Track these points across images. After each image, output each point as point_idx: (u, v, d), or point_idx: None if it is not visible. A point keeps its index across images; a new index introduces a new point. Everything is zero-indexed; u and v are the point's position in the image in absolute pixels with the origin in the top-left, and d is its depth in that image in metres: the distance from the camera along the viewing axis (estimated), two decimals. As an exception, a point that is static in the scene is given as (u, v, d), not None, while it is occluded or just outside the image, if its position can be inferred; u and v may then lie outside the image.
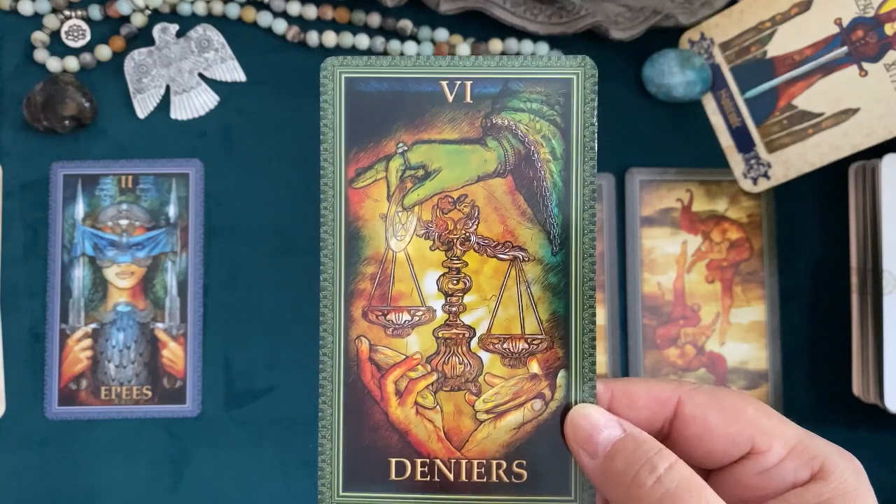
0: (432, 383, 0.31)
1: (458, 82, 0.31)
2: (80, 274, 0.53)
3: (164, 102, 0.54)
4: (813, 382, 0.55)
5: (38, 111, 0.52)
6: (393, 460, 0.31)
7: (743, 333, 0.55)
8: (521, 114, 0.31)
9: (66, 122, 0.52)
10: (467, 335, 0.31)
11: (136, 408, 0.53)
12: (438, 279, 0.31)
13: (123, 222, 0.54)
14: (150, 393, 0.53)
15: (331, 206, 0.31)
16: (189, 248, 0.54)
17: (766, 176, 0.52)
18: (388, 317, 0.31)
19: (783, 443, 0.29)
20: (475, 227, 0.31)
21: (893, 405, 0.49)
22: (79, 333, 0.53)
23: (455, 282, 0.31)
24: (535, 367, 0.30)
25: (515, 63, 0.31)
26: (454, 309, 0.31)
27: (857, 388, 0.52)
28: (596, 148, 0.31)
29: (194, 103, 0.54)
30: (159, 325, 0.53)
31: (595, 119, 0.31)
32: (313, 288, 0.54)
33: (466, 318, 0.31)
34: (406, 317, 0.31)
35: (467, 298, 0.31)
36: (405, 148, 0.31)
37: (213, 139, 0.54)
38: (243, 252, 0.54)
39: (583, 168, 0.30)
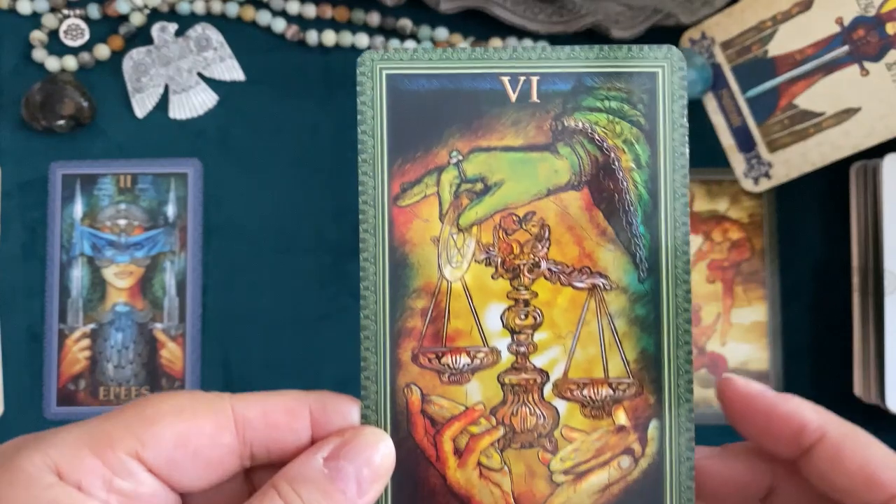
0: (498, 440, 0.26)
1: (523, 78, 0.26)
2: (78, 274, 0.53)
3: (163, 102, 0.54)
4: (814, 383, 0.55)
5: (37, 111, 0.52)
6: None
7: (744, 334, 0.55)
8: (597, 114, 0.26)
9: (65, 121, 0.52)
10: (539, 380, 0.26)
11: (135, 408, 0.53)
12: (503, 314, 0.26)
13: (122, 222, 0.54)
14: (148, 393, 0.53)
15: (372, 229, 0.26)
16: (188, 247, 0.54)
17: (767, 175, 0.51)
18: (444, 360, 0.26)
19: None
20: (545, 250, 0.26)
21: (895, 406, 0.49)
22: (77, 333, 0.53)
23: (523, 316, 0.26)
24: (621, 417, 0.26)
25: (590, 55, 0.26)
26: (523, 349, 0.26)
27: (858, 389, 0.52)
28: (687, 154, 0.26)
29: (193, 102, 0.54)
30: (158, 325, 0.53)
31: (685, 119, 0.26)
32: (314, 287, 0.54)
33: (538, 361, 0.26)
34: (465, 360, 0.26)
35: (538, 336, 0.26)
36: (460, 157, 0.26)
37: (211, 138, 0.54)
38: (242, 252, 0.54)
39: (672, 177, 0.26)
